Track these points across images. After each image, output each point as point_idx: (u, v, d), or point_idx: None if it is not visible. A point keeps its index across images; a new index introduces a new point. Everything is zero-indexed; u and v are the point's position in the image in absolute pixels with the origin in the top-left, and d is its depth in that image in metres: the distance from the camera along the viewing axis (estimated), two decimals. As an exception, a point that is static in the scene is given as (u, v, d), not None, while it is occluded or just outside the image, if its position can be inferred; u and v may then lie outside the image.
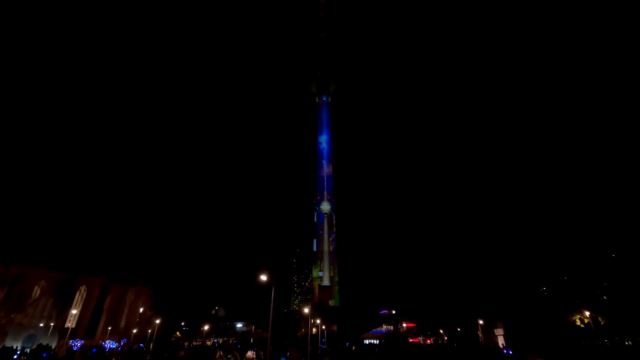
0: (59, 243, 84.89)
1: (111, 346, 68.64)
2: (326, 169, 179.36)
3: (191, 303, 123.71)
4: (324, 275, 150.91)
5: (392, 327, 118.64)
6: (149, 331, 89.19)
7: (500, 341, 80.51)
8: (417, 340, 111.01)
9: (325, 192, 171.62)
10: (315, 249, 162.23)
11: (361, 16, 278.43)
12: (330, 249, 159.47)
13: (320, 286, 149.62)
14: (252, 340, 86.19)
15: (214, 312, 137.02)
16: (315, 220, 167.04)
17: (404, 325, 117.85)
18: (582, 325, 64.48)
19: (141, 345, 66.35)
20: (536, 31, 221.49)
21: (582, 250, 78.27)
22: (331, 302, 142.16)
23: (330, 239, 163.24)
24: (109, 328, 79.88)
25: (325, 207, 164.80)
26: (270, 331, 21.66)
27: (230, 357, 23.58)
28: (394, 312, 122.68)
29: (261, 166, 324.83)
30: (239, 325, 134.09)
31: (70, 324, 75.18)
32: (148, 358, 28.74)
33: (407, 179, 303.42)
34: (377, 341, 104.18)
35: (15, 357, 37.22)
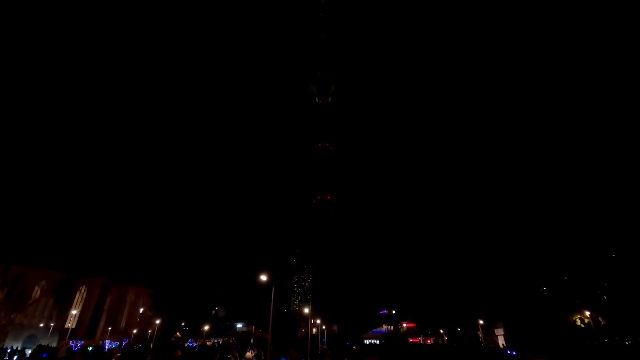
0: (59, 243, 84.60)
1: (110, 346, 68.45)
2: (326, 169, 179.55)
3: (191, 303, 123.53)
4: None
5: (392, 327, 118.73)
6: (149, 331, 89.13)
7: (501, 341, 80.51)
8: (417, 340, 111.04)
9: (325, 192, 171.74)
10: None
11: (361, 16, 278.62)
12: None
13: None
14: (252, 341, 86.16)
15: (214, 312, 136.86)
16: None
17: (404, 325, 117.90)
18: (583, 325, 64.48)
19: (140, 345, 66.20)
20: (535, 31, 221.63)
21: (583, 251, 78.16)
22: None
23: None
24: (109, 328, 79.78)
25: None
26: (271, 331, 21.65)
27: (230, 357, 23.61)
28: (394, 312, 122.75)
29: (261, 167, 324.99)
30: (239, 325, 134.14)
31: (70, 324, 75.10)
32: (148, 358, 28.75)
33: (407, 178, 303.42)
34: (378, 341, 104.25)
35: (15, 357, 37.22)
